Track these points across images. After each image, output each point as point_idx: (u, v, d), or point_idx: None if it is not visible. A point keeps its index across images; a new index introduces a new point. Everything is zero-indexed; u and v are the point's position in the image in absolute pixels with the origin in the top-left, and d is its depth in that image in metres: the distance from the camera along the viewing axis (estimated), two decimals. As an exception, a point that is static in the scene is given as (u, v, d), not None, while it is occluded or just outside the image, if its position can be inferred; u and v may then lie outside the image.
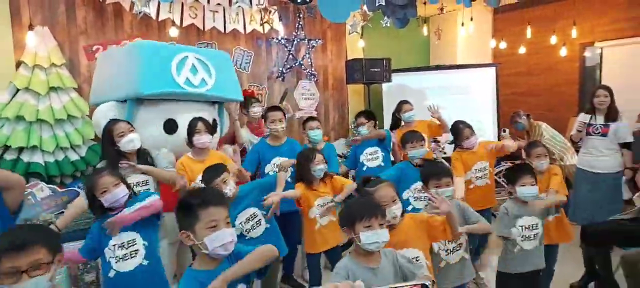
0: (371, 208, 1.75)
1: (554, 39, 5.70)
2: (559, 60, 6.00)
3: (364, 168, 3.83)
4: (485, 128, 5.84)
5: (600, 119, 3.77)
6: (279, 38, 5.17)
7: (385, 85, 5.77)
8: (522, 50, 5.99)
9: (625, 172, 3.70)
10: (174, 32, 4.39)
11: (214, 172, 2.53)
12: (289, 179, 3.19)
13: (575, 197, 4.05)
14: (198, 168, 2.81)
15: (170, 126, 3.25)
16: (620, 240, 3.16)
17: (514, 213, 2.48)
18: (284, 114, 3.54)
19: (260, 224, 2.74)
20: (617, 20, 5.60)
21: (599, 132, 3.76)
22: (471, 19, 5.37)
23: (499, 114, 5.92)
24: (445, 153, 5.03)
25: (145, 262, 2.23)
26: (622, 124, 3.72)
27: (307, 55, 5.42)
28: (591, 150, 3.82)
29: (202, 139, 2.96)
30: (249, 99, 4.15)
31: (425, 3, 4.63)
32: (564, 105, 6.04)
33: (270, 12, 4.76)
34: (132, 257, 2.20)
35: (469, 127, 3.51)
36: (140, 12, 4.02)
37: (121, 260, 2.19)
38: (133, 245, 2.21)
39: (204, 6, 4.46)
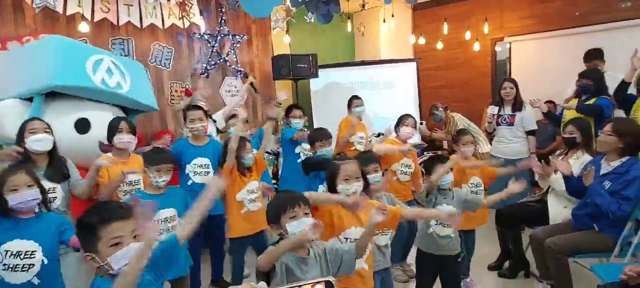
0: (293, 198, 1.78)
1: (468, 35, 6.05)
2: (473, 55, 6.38)
3: (298, 161, 3.87)
4: (409, 120, 6.07)
5: (507, 110, 4.09)
6: (201, 33, 4.99)
7: (312, 81, 5.80)
8: (439, 45, 6.30)
9: (531, 156, 4.02)
10: (84, 27, 4.07)
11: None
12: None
13: (490, 183, 4.35)
14: (117, 170, 2.69)
15: (82, 125, 3.07)
16: (528, 220, 3.43)
17: (433, 201, 2.62)
18: (206, 114, 3.42)
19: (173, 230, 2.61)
20: (523, 17, 6.07)
21: (507, 122, 4.07)
22: (392, 16, 5.54)
23: (420, 106, 6.19)
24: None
25: (36, 281, 1.98)
26: (527, 113, 4.04)
27: (232, 51, 5.30)
28: (501, 139, 4.15)
29: (124, 138, 2.84)
30: (193, 98, 4.15)
31: (348, -1, 4.70)
32: (479, 96, 6.44)
33: (189, 5, 4.58)
34: (23, 271, 1.96)
35: (413, 118, 3.67)
36: (40, 5, 3.68)
37: (10, 269, 1.94)
38: (30, 257, 1.97)
39: (117, -1, 4.20)
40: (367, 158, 2.47)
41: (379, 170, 2.45)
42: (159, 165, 2.53)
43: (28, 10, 3.93)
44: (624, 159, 2.73)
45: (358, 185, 2.10)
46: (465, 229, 3.07)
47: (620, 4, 5.23)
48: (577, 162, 3.11)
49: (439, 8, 6.43)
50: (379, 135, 5.17)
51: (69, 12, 3.96)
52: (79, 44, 3.40)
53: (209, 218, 3.01)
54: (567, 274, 2.77)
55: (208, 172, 3.26)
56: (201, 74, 5.10)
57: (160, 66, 4.78)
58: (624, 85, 3.67)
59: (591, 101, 3.78)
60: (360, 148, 4.10)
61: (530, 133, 4.05)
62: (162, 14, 4.56)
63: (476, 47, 6.11)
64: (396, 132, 3.67)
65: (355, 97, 4.34)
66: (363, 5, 5.73)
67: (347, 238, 2.07)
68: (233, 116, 3.90)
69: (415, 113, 6.15)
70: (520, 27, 6.10)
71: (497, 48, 6.37)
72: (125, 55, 4.52)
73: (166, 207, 2.54)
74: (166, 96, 4.80)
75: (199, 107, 3.41)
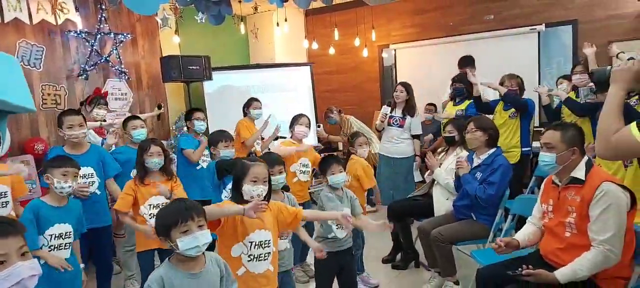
0: (187, 210, 1.62)
1: (357, 41, 6.34)
2: (363, 60, 6.71)
3: (198, 168, 3.77)
4: (304, 123, 6.18)
5: (398, 112, 4.36)
6: (78, 31, 4.53)
7: (207, 84, 5.60)
8: (331, 50, 6.50)
9: (416, 158, 4.35)
10: None
11: None
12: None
13: (379, 180, 4.60)
14: None
15: None
16: (416, 213, 3.69)
17: (327, 205, 2.67)
18: (85, 118, 3.09)
19: (67, 248, 2.38)
20: (405, 26, 6.54)
21: (397, 123, 4.35)
22: (285, 20, 5.58)
23: (316, 109, 6.32)
24: (268, 149, 5.14)
25: None
26: (416, 119, 4.35)
27: (115, 51, 4.89)
28: (390, 138, 4.42)
29: None
30: (97, 98, 3.83)
31: (240, 1, 4.63)
32: (369, 100, 6.79)
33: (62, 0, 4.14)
34: None
35: (307, 117, 3.69)
36: None
37: None
38: None
39: (-31, -11, 3.63)
40: (272, 160, 2.46)
41: (283, 171, 2.47)
42: (66, 168, 2.34)
43: None
44: (490, 151, 3.09)
45: (264, 189, 2.06)
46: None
47: (485, 17, 5.91)
48: (456, 157, 3.42)
49: (329, 14, 6.64)
50: (276, 138, 5.18)
51: None
52: None
53: (94, 231, 2.76)
54: (451, 261, 3.03)
55: (93, 182, 2.96)
56: (79, 76, 4.63)
57: (29, 66, 4.23)
58: (477, 98, 4.13)
59: (465, 103, 4.19)
60: (258, 149, 4.08)
61: (415, 137, 4.38)
62: (28, 8, 4.04)
63: (365, 53, 6.43)
64: (291, 131, 3.70)
65: (254, 99, 4.29)
66: (255, 8, 5.70)
67: (251, 243, 2.01)
68: (133, 118, 3.60)
69: (310, 116, 6.26)
70: (403, 35, 6.56)
71: (384, 54, 6.77)
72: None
73: (64, 222, 2.34)
74: (37, 100, 4.26)
75: (77, 112, 3.08)
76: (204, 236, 1.62)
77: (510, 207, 3.06)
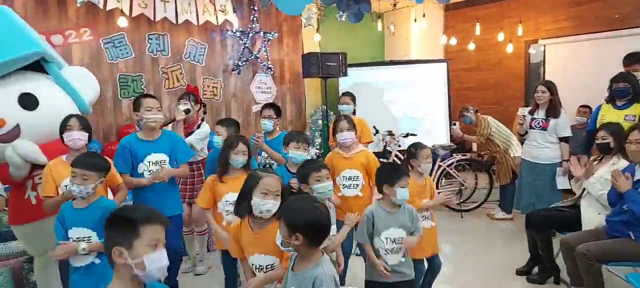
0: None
1: (501, 36, 5.95)
2: (506, 57, 6.27)
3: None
4: (438, 121, 6.03)
5: (541, 114, 3.98)
6: (234, 30, 5.09)
7: (341, 79, 5.82)
8: (471, 46, 6.21)
9: (563, 163, 3.92)
10: (123, 22, 4.23)
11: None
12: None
13: (519, 185, 4.27)
14: (66, 173, 2.34)
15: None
16: (559, 225, 3.36)
17: (381, 224, 2.34)
18: (160, 104, 2.92)
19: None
20: (558, 20, 5.92)
21: (540, 126, 3.96)
22: (423, 16, 5.50)
23: (450, 107, 6.12)
24: (400, 146, 5.15)
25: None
26: (562, 120, 3.93)
27: (263, 49, 5.38)
28: (533, 142, 4.04)
29: (73, 136, 2.50)
30: (182, 95, 3.69)
31: (379, -2, 4.70)
32: (511, 99, 6.32)
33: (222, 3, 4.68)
34: None
35: (346, 120, 3.09)
36: (83, 0, 3.86)
37: None
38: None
39: (154, -5, 4.33)
40: (315, 166, 2.31)
41: (330, 177, 2.28)
42: (75, 168, 2.19)
43: (71, 5, 4.11)
44: (659, 164, 2.66)
45: (274, 204, 1.92)
46: (419, 257, 2.69)
47: (663, 7, 5.05)
48: (613, 168, 3.02)
49: (471, 9, 6.34)
50: (407, 135, 5.17)
51: (109, 8, 4.11)
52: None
53: None
54: (600, 281, 2.70)
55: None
56: (232, 71, 5.20)
57: (193, 62, 4.90)
58: None
59: (635, 107, 3.63)
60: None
61: (563, 139, 3.95)
62: (196, 11, 4.67)
63: (509, 49, 6.00)
64: (334, 139, 3.24)
65: (344, 94, 4.09)
66: (394, 5, 5.71)
67: (252, 264, 2.02)
68: (266, 107, 3.52)
69: (444, 114, 6.10)
70: (555, 30, 5.95)
71: (531, 50, 6.23)
72: (161, 51, 4.67)
73: (84, 226, 2.23)
74: (199, 92, 4.92)
75: (154, 96, 3.00)
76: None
77: (681, 229, 2.61)
